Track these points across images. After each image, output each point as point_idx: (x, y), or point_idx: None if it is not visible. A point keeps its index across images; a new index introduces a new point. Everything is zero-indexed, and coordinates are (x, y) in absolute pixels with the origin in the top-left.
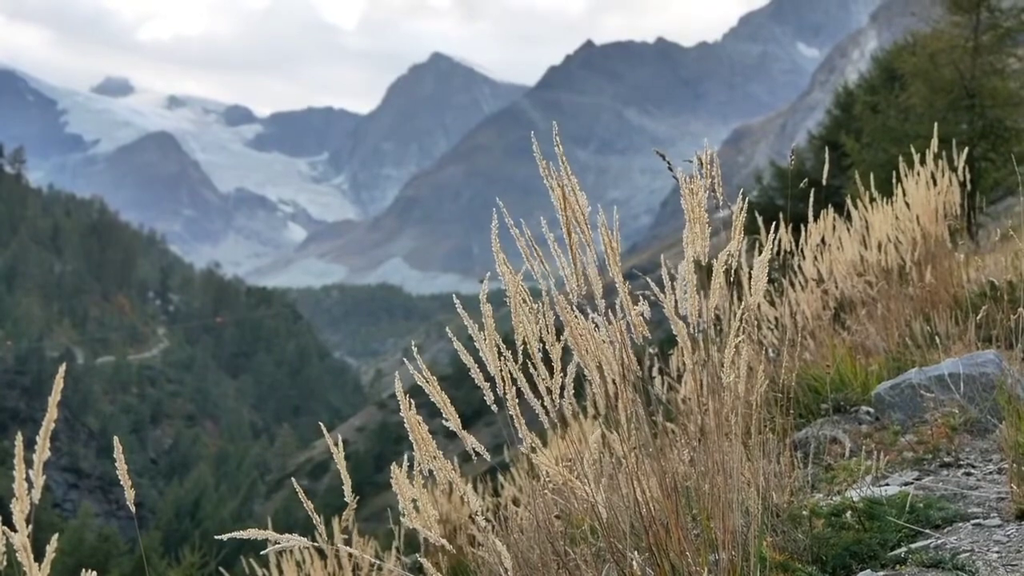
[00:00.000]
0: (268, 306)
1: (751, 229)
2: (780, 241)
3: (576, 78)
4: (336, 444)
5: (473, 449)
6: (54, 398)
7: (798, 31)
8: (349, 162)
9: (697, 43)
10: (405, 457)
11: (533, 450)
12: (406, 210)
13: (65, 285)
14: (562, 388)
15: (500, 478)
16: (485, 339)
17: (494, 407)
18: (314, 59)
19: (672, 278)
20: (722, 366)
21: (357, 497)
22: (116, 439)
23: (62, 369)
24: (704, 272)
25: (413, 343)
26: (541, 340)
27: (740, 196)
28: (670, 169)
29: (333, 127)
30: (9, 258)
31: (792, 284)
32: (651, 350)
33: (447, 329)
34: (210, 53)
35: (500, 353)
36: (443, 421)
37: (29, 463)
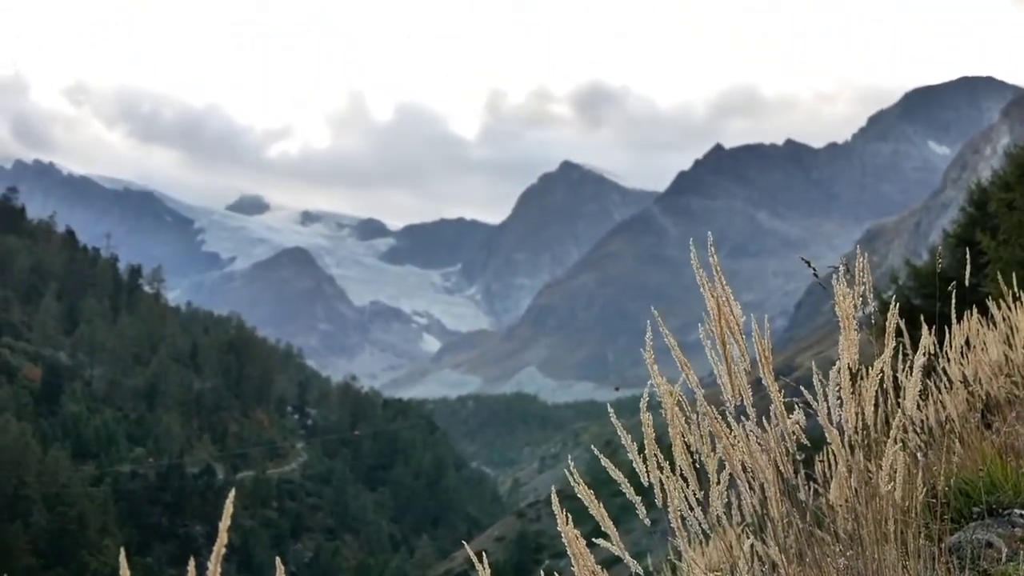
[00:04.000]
0: (405, 418)
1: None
2: (924, 344)
3: (706, 182)
4: (481, 559)
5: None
6: (224, 523)
7: (928, 129)
8: (482, 273)
9: (827, 144)
10: (552, 572)
11: (681, 560)
12: (539, 319)
13: (205, 402)
14: (712, 498)
15: None
16: (642, 450)
17: (647, 521)
18: (442, 170)
19: (823, 384)
20: (870, 472)
21: None
22: (278, 560)
23: (231, 495)
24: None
25: (570, 459)
26: (690, 448)
27: (893, 302)
28: (815, 276)
29: (465, 238)
30: (150, 376)
31: (937, 387)
32: (798, 456)
33: (592, 446)
34: (339, 168)
35: (659, 465)
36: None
37: None
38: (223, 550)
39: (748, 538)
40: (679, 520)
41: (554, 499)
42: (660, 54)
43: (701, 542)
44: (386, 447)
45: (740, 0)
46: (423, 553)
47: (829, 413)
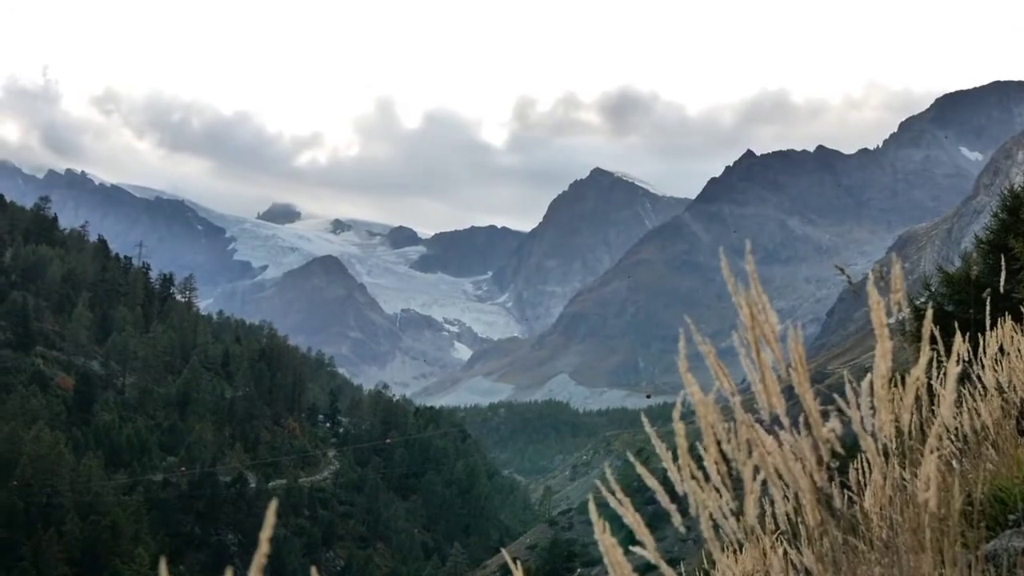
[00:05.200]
0: (436, 426)
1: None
2: (959, 351)
3: (737, 189)
4: (516, 565)
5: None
6: (266, 533)
7: (960, 135)
8: (513, 280)
9: (858, 150)
10: None
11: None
12: (571, 326)
13: (237, 410)
14: (747, 506)
15: None
16: (675, 459)
17: (683, 528)
18: (471, 178)
19: (856, 393)
20: (904, 479)
21: None
22: (314, 570)
23: (273, 505)
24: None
25: (607, 468)
26: (725, 457)
27: (928, 309)
28: (849, 283)
29: (496, 246)
30: (182, 385)
31: (972, 394)
32: (832, 463)
33: (628, 453)
34: (368, 176)
35: (692, 475)
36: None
37: None
38: (264, 560)
39: (782, 546)
40: (711, 529)
41: (592, 508)
42: (688, 60)
43: (735, 550)
44: (418, 455)
45: (766, 6)
46: (455, 561)
47: (863, 421)
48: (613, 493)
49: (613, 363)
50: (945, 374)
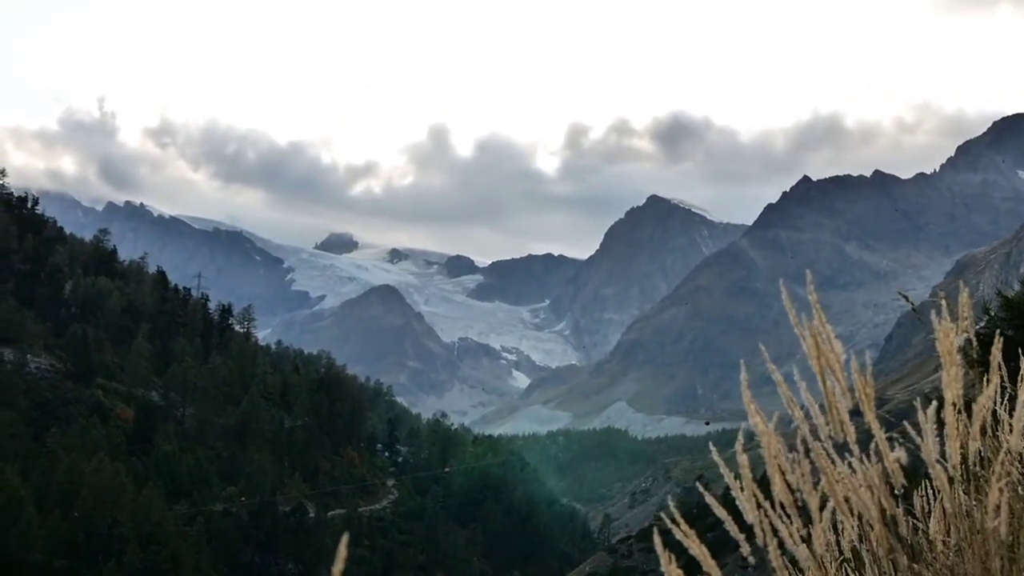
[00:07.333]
0: (495, 454)
1: (986, 362)
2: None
3: (794, 215)
4: None
5: None
6: (338, 567)
7: (1018, 158)
8: (571, 308)
9: (915, 174)
10: None
11: None
12: (629, 354)
13: (296, 440)
14: (816, 534)
15: None
16: (742, 488)
17: (751, 558)
18: (525, 206)
19: (925, 419)
20: (973, 506)
21: None
22: None
23: (345, 538)
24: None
25: (670, 498)
26: (790, 486)
27: (996, 336)
28: (914, 309)
29: (552, 273)
30: (241, 415)
31: None
32: (898, 492)
33: (698, 484)
34: (423, 205)
35: (759, 504)
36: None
37: None
38: None
39: (846, 574)
40: (779, 557)
41: (657, 539)
42: (739, 86)
43: None
44: (477, 483)
45: (814, 30)
46: None
47: (931, 448)
48: (678, 524)
49: (671, 390)
50: (1010, 399)
